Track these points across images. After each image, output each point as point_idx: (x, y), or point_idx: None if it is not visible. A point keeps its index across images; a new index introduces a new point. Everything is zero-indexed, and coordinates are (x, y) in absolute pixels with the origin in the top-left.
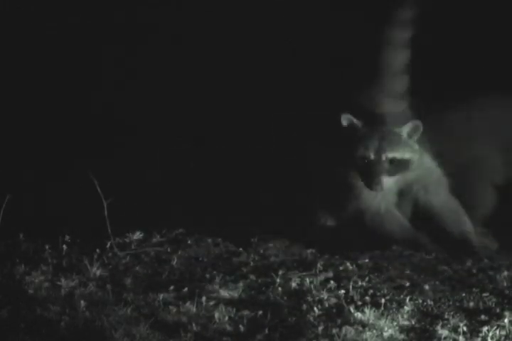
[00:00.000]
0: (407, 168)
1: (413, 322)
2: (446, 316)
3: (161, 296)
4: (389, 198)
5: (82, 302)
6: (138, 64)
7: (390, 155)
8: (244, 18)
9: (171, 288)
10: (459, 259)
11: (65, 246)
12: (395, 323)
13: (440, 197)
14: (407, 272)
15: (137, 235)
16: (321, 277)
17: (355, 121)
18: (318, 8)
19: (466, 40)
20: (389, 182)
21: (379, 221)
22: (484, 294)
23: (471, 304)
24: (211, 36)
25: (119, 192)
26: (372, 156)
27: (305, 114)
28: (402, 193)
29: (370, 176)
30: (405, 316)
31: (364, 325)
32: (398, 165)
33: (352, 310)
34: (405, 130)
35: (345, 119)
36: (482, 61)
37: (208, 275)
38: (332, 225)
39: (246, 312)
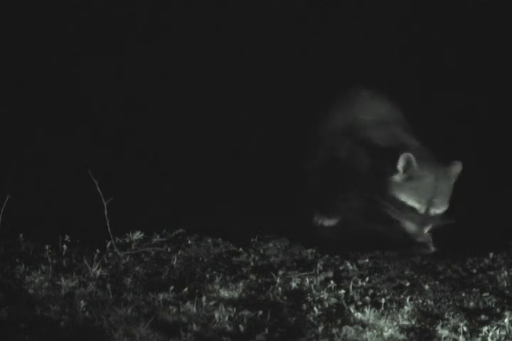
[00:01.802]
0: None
1: (413, 322)
2: (446, 316)
3: (161, 296)
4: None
5: (82, 302)
6: (138, 64)
7: (439, 211)
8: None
9: (171, 288)
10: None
11: (65, 246)
12: (395, 323)
13: None
14: (407, 272)
15: (137, 235)
16: (321, 277)
17: (414, 163)
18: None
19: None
20: (427, 229)
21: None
22: (484, 294)
23: (471, 304)
24: (211, 38)
25: (119, 192)
26: (422, 210)
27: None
28: None
29: (417, 228)
30: (405, 316)
31: (364, 325)
32: (442, 215)
33: (352, 310)
34: (453, 173)
35: (403, 160)
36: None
37: (208, 275)
38: (332, 225)
39: (246, 312)
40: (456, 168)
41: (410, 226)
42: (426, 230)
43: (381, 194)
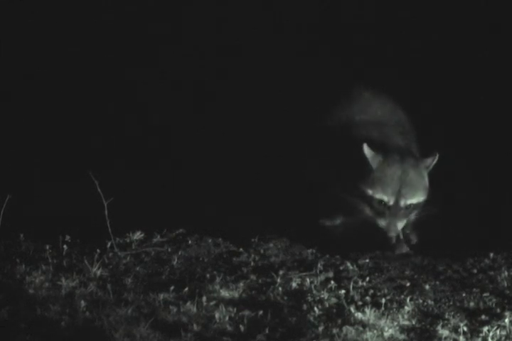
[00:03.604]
0: (422, 207)
1: (413, 322)
2: (446, 316)
3: (162, 296)
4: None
5: (82, 302)
6: (138, 63)
7: (410, 202)
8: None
9: (172, 288)
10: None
11: (65, 246)
12: (395, 323)
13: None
14: (408, 272)
15: (137, 235)
16: (322, 277)
17: (374, 154)
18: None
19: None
20: (404, 223)
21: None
22: (484, 294)
23: (472, 304)
24: (211, 37)
25: (119, 192)
26: (391, 202)
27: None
28: None
29: (388, 222)
30: (406, 316)
31: (364, 325)
32: (415, 207)
33: (352, 310)
34: (425, 165)
35: (367, 152)
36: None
37: (208, 275)
38: (332, 225)
39: (246, 312)
40: (429, 160)
41: (382, 222)
42: (400, 225)
43: (352, 190)
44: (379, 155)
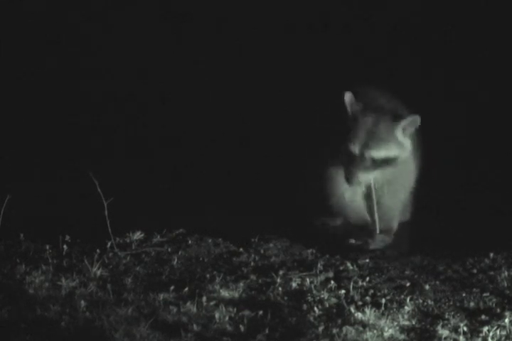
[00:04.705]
0: (391, 165)
1: (413, 322)
2: (446, 316)
3: (162, 296)
4: (357, 189)
5: (82, 302)
6: (137, 64)
7: (374, 154)
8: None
9: (172, 288)
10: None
11: (65, 246)
12: (395, 323)
13: (399, 195)
14: (408, 272)
15: (137, 235)
16: (322, 277)
17: (353, 102)
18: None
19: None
20: (368, 177)
21: (342, 207)
22: (484, 294)
23: (472, 304)
24: (213, 37)
25: (119, 192)
26: (356, 152)
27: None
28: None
29: (350, 171)
30: (406, 316)
31: (364, 325)
32: (381, 163)
33: (352, 310)
34: (402, 124)
35: (347, 97)
36: None
37: (208, 276)
38: (332, 225)
39: (246, 312)
40: (408, 120)
41: (345, 172)
42: (361, 177)
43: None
44: (359, 103)
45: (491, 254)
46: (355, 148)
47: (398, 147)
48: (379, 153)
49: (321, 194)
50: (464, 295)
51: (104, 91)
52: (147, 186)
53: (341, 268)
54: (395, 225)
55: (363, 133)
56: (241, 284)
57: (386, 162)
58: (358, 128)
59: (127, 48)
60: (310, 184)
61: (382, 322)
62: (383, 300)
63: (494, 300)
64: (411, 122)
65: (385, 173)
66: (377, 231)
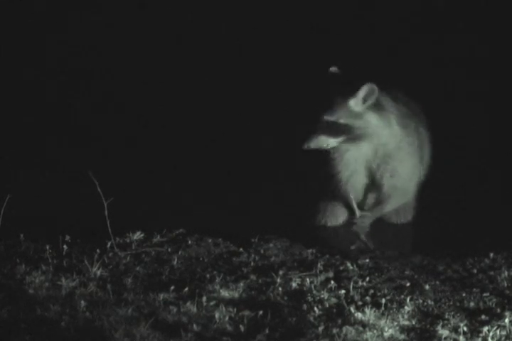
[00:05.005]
0: (349, 132)
1: (413, 322)
2: (446, 316)
3: (162, 296)
4: (351, 167)
5: (82, 302)
6: (137, 64)
7: (326, 117)
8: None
9: (172, 288)
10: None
11: (65, 246)
12: (395, 323)
13: (396, 179)
14: (408, 272)
15: (137, 235)
16: (322, 277)
17: (333, 70)
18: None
19: None
20: (320, 141)
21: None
22: (484, 294)
23: (472, 304)
24: (213, 37)
25: (119, 192)
26: (315, 114)
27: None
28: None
29: (307, 132)
30: (406, 316)
31: (364, 325)
32: (337, 129)
33: (352, 310)
34: (360, 94)
35: (333, 69)
36: None
37: (208, 276)
38: (332, 225)
39: (246, 313)
40: (364, 90)
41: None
42: (318, 140)
43: None
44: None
45: (491, 254)
46: (315, 111)
47: (349, 116)
48: (328, 117)
49: (321, 190)
50: (464, 295)
51: (104, 91)
52: (147, 186)
53: (341, 268)
54: (387, 209)
55: (325, 99)
56: (241, 284)
57: (340, 128)
58: (319, 95)
59: (127, 48)
60: (310, 184)
61: (382, 322)
62: (383, 300)
63: (494, 300)
64: (367, 92)
65: (377, 152)
66: (358, 215)
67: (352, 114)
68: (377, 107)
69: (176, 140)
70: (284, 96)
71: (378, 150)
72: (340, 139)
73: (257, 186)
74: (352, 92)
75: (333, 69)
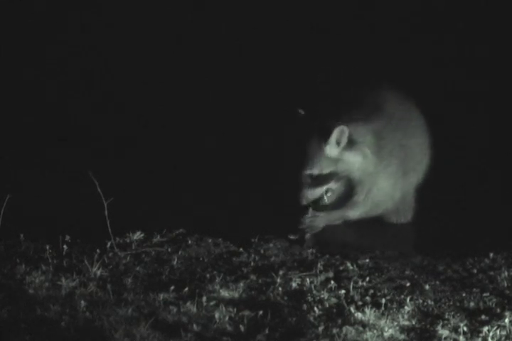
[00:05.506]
0: (331, 180)
1: (413, 322)
2: (446, 316)
3: (162, 296)
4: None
5: (82, 302)
6: (137, 64)
7: (308, 172)
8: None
9: (172, 288)
10: None
11: (65, 246)
12: (395, 323)
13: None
14: (408, 272)
15: (137, 235)
16: (322, 277)
17: (303, 113)
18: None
19: None
20: (315, 193)
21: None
22: (484, 294)
23: (472, 304)
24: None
25: (119, 192)
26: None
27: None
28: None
29: (298, 189)
30: (406, 316)
31: (364, 325)
32: (324, 178)
33: (352, 310)
34: (333, 139)
35: (300, 111)
36: None
37: (208, 276)
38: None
39: (246, 313)
40: (335, 134)
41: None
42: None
43: None
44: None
45: (491, 254)
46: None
47: (329, 164)
48: (311, 171)
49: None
50: (464, 295)
51: (104, 91)
52: (147, 186)
53: (341, 268)
54: (350, 217)
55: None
56: (241, 284)
57: (322, 178)
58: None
59: (127, 48)
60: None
61: (382, 322)
62: (383, 300)
63: (494, 300)
64: (339, 135)
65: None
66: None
67: (331, 160)
68: (349, 144)
69: (175, 140)
70: (284, 96)
71: (355, 177)
72: (331, 183)
73: (257, 186)
74: (324, 139)
75: (300, 111)
